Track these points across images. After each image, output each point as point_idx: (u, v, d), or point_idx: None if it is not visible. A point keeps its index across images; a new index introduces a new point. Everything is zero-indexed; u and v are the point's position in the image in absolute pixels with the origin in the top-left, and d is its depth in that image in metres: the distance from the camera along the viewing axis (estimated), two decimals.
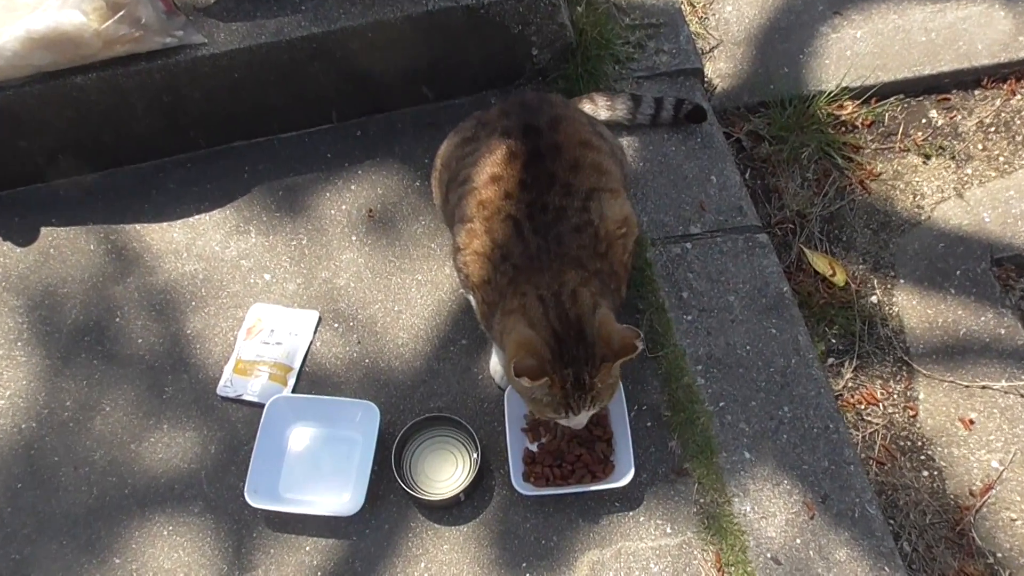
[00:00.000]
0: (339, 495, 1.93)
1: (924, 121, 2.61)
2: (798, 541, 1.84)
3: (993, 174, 2.48)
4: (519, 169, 1.74)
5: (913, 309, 2.31)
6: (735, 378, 2.01)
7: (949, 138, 2.57)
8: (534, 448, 1.95)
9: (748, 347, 2.05)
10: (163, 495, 1.97)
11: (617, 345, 1.61)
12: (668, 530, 1.88)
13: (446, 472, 1.95)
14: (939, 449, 2.13)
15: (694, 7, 2.80)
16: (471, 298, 1.86)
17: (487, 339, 2.07)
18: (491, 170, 1.77)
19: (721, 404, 1.98)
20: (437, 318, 2.16)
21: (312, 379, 2.09)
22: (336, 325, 2.16)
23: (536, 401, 1.69)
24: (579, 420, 1.74)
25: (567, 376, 1.63)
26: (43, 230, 2.32)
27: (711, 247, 2.19)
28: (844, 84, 2.56)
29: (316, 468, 1.97)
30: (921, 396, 2.20)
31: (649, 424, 1.99)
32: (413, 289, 2.20)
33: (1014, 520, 2.03)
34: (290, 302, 2.20)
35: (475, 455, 1.92)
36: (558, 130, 1.79)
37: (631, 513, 1.90)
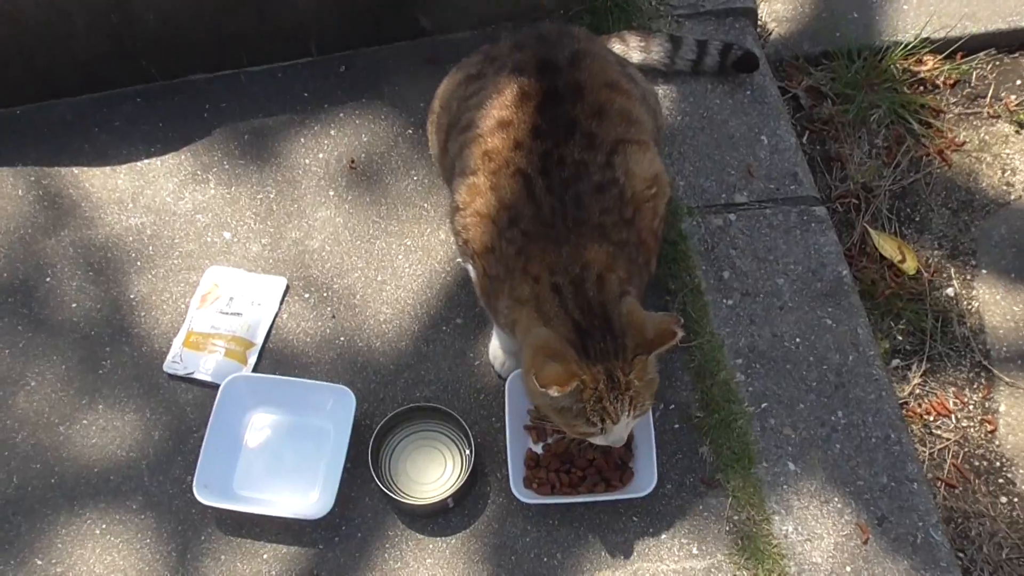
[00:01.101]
0: (305, 495, 1.96)
1: (1019, 82, 2.63)
2: (848, 569, 1.87)
3: None
4: (532, 113, 1.76)
5: (996, 305, 2.33)
6: (781, 375, 2.04)
7: None
8: (538, 449, 1.98)
9: (798, 339, 2.08)
10: (96, 487, 2.00)
11: (652, 333, 1.63)
12: (694, 551, 1.90)
13: (432, 473, 1.98)
14: (1021, 472, 2.16)
15: None
16: (470, 268, 1.89)
17: (487, 318, 2.09)
18: (499, 114, 1.79)
19: (763, 405, 2.01)
20: (428, 291, 2.18)
21: (277, 357, 2.12)
22: (307, 295, 2.19)
23: (564, 412, 1.69)
24: (619, 433, 1.74)
25: (598, 375, 1.63)
26: None
27: (759, 220, 2.21)
28: (925, 35, 2.58)
29: (278, 462, 2.00)
30: (1002, 408, 2.23)
31: (677, 426, 2.02)
32: (400, 256, 2.23)
33: None
34: (253, 266, 2.22)
35: (468, 453, 1.95)
36: (580, 68, 1.81)
37: (651, 530, 1.92)
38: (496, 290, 1.79)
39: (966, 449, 2.18)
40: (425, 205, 2.28)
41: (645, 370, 1.67)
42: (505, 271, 1.75)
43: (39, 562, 1.94)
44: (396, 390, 2.07)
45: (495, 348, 2.06)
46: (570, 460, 1.95)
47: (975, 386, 2.25)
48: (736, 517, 1.92)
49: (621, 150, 1.76)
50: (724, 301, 2.12)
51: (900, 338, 2.30)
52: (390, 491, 1.92)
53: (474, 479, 1.97)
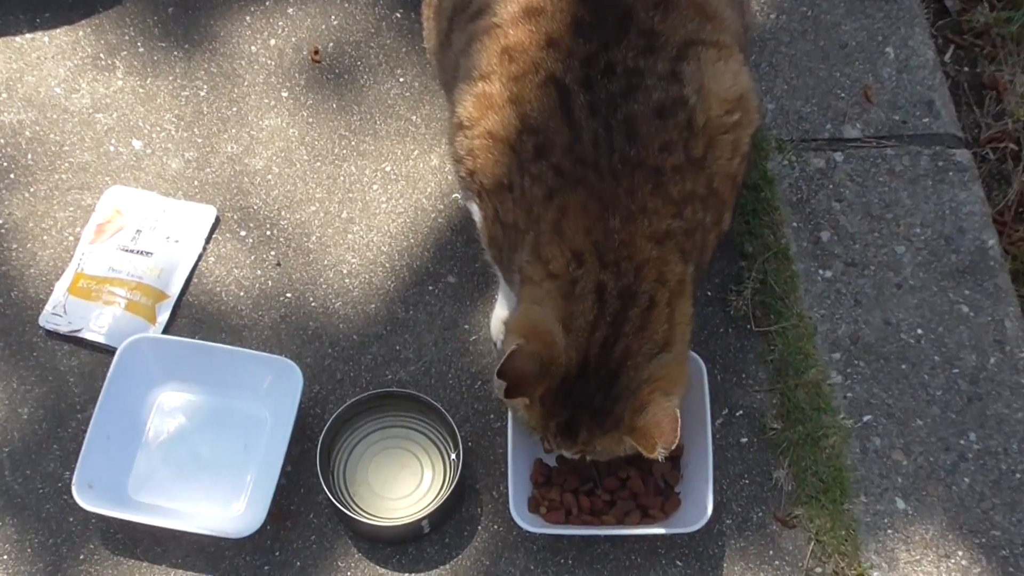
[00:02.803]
0: (226, 505, 1.99)
1: None
2: None
3: None
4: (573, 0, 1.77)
5: None
6: (893, 378, 2.05)
7: None
8: (551, 461, 1.99)
9: (919, 331, 2.09)
10: None
11: (643, 423, 1.71)
12: None
13: (404, 485, 1.99)
14: None
15: None
16: (474, 209, 1.89)
17: (491, 277, 2.11)
18: None
19: (866, 419, 2.03)
20: (411, 236, 2.20)
21: (197, 316, 2.14)
22: (243, 233, 2.21)
23: (512, 407, 1.83)
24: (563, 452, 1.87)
25: (558, 417, 1.76)
26: None
27: (875, 163, 2.22)
28: None
29: (192, 458, 2.02)
30: None
31: (744, 440, 2.04)
32: (375, 186, 2.24)
33: None
34: (171, 188, 2.24)
35: (453, 459, 1.97)
36: None
37: None
38: (512, 241, 1.80)
39: None
40: (413, 118, 2.29)
41: (618, 445, 1.78)
42: (527, 219, 1.76)
43: None
44: (360, 368, 2.10)
45: (499, 319, 2.07)
46: (595, 478, 1.96)
47: None
48: (819, 569, 1.94)
49: (692, 56, 1.76)
50: (820, 272, 2.13)
51: None
52: (344, 506, 1.93)
53: (460, 496, 1.99)
